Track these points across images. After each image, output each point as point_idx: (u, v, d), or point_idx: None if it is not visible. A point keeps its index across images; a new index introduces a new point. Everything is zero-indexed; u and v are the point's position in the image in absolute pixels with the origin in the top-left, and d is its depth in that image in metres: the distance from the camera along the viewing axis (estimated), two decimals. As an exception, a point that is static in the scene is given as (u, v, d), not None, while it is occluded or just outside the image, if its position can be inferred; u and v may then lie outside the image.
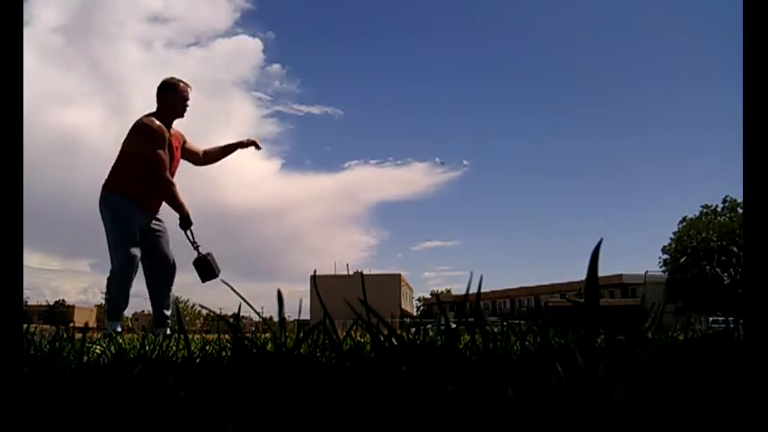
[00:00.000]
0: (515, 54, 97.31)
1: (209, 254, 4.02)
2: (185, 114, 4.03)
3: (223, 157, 4.38)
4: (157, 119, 3.89)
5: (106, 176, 3.92)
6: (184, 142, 4.18)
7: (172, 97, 3.94)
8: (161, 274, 4.02)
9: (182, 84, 3.99)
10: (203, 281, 3.94)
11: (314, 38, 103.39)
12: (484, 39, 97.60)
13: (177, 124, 4.08)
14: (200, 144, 4.32)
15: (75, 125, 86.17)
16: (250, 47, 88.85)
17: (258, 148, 4.37)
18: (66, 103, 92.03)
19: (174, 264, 4.07)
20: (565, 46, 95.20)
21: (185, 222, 4.00)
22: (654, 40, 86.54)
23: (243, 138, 4.40)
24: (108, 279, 3.76)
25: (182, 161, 4.18)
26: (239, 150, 4.38)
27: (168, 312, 4.02)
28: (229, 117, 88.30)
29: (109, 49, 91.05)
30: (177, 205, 3.97)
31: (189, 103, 4.01)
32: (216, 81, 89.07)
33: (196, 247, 4.00)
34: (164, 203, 4.07)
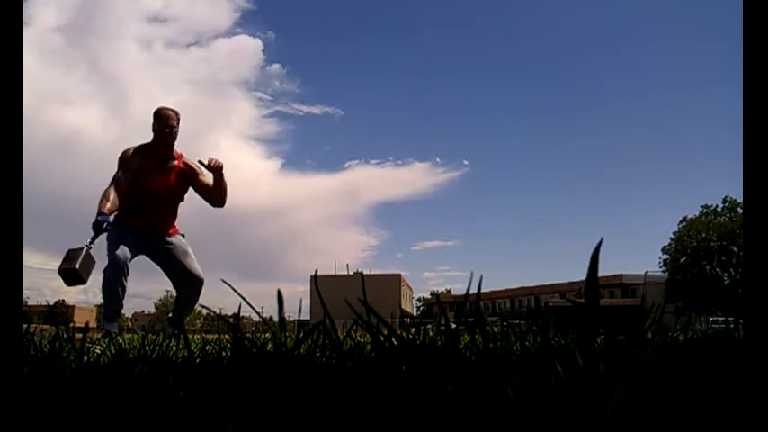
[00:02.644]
0: (515, 54, 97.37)
1: (81, 251, 3.59)
2: (175, 142, 4.04)
3: (218, 185, 4.12)
4: (150, 147, 4.02)
5: None
6: (197, 174, 4.14)
7: (156, 126, 4.04)
8: (186, 288, 4.14)
9: (165, 112, 4.03)
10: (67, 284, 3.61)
11: (314, 38, 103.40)
12: (484, 39, 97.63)
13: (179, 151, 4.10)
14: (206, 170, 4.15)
15: (75, 125, 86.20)
16: (250, 47, 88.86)
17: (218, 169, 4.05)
18: (66, 103, 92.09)
19: (196, 275, 4.14)
20: (565, 46, 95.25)
21: (96, 225, 3.69)
22: (654, 40, 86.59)
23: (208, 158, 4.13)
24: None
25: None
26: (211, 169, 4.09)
27: (186, 317, 4.07)
28: (229, 117, 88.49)
29: (109, 49, 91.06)
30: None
31: (176, 130, 4.02)
32: (216, 81, 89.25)
33: (88, 247, 3.68)
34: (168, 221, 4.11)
